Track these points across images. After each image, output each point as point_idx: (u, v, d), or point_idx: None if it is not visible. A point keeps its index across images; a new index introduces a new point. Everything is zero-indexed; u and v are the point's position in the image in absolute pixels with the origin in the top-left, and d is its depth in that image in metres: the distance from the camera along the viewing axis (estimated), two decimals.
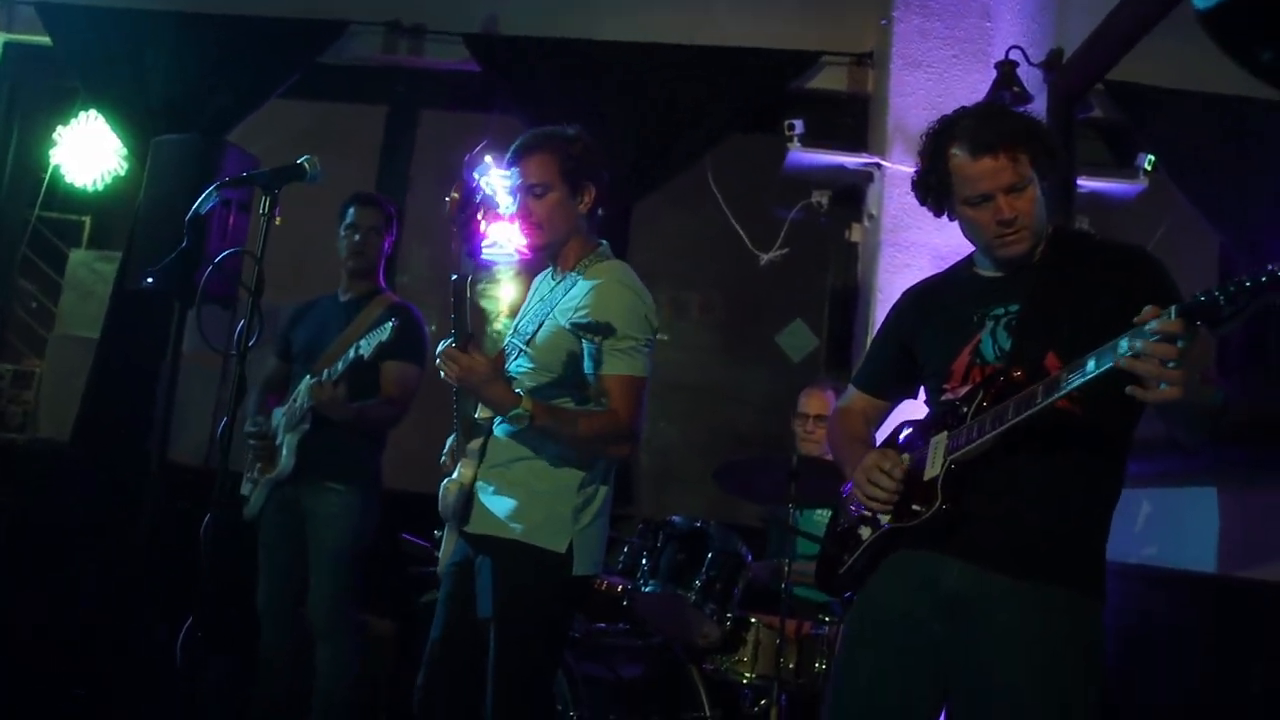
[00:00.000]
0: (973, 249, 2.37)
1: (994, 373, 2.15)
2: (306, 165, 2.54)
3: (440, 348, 2.44)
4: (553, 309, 2.57)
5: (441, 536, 2.72)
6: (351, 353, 3.26)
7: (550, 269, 2.73)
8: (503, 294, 5.26)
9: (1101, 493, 2.16)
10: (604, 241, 2.71)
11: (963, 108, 2.31)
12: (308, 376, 3.54)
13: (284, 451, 3.56)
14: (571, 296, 2.54)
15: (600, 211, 2.69)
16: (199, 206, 2.40)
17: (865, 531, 2.28)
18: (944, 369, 2.27)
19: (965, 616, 2.11)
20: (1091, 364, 1.85)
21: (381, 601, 4.20)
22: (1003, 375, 2.12)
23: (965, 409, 2.15)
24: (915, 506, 2.15)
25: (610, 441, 2.51)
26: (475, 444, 2.58)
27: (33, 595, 4.03)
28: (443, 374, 2.44)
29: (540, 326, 2.58)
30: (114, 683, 3.94)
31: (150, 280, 4.28)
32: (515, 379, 2.56)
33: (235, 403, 2.55)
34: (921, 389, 2.43)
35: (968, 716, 2.11)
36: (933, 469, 2.16)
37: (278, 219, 2.67)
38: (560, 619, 2.61)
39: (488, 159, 4.91)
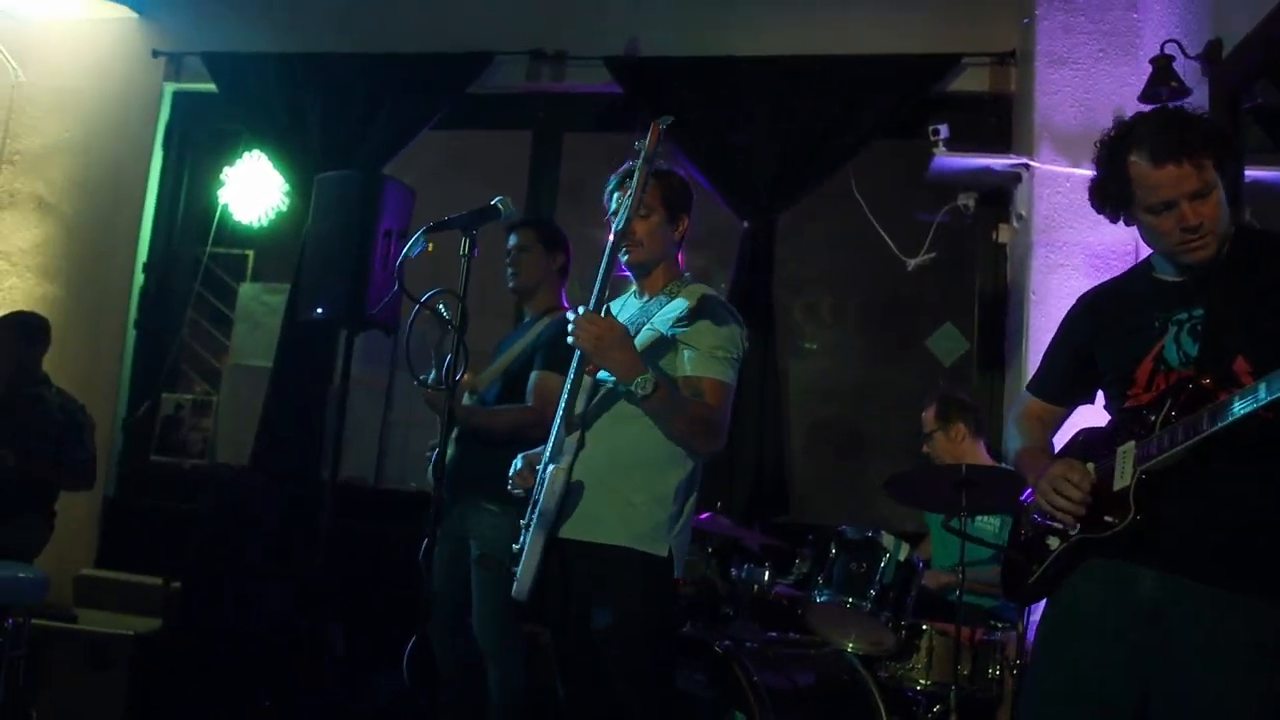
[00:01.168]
0: (1148, 252, 2.35)
1: (1182, 380, 2.13)
2: (500, 205, 2.67)
3: (579, 311, 2.55)
4: (649, 319, 2.73)
5: (523, 548, 2.67)
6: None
7: (630, 293, 2.92)
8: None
9: None
10: (689, 272, 2.90)
11: (1140, 113, 2.29)
12: (465, 394, 3.64)
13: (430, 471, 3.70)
14: (671, 309, 2.71)
15: (684, 244, 2.90)
16: (409, 250, 2.54)
17: (1054, 541, 2.29)
18: (1127, 376, 2.26)
19: (1164, 625, 2.10)
20: None
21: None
22: (1191, 383, 2.10)
23: (1153, 417, 2.14)
24: (1108, 518, 2.15)
25: (708, 433, 2.64)
26: (573, 438, 2.66)
27: (223, 610, 4.26)
28: (573, 339, 2.53)
29: (638, 332, 2.72)
30: (296, 691, 4.14)
31: (320, 311, 4.51)
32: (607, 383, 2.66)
33: (446, 433, 2.66)
34: (1100, 395, 2.42)
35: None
36: (1122, 479, 2.15)
37: (430, 247, 2.80)
38: (671, 620, 2.83)
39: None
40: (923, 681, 3.43)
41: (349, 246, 4.48)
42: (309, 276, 4.66)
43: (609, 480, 2.64)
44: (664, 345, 2.69)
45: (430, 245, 2.79)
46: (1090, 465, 2.25)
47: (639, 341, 2.69)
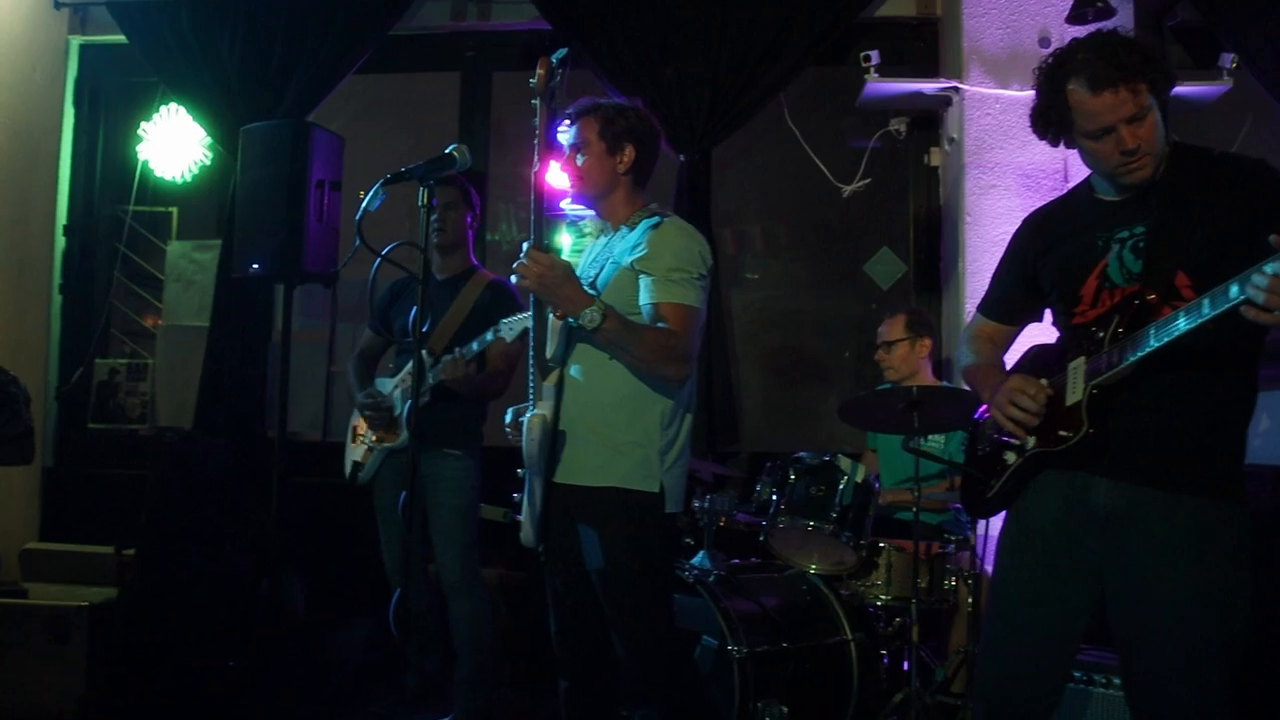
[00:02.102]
0: (1077, 171, 2.42)
1: (1128, 296, 2.21)
2: (456, 154, 2.64)
3: (523, 249, 2.55)
4: (611, 255, 2.75)
5: (521, 499, 2.76)
6: (490, 335, 3.44)
7: (606, 230, 2.91)
8: (582, 245, 5.34)
9: (1238, 404, 2.23)
10: (654, 203, 2.89)
11: (1075, 40, 2.34)
12: (425, 354, 3.68)
13: (402, 423, 3.75)
14: (629, 241, 2.72)
15: (644, 173, 2.87)
16: (368, 203, 2.50)
17: (1011, 456, 2.38)
18: (1072, 294, 2.34)
19: (1119, 530, 2.21)
20: (1235, 290, 1.87)
21: (505, 553, 4.40)
22: (1137, 299, 2.18)
23: (1101, 334, 2.22)
24: (1062, 432, 2.24)
25: (671, 359, 2.59)
26: (551, 381, 2.69)
27: (179, 574, 4.23)
28: (518, 278, 2.54)
29: (601, 271, 2.75)
30: (261, 651, 4.14)
31: (257, 266, 4.42)
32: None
33: (418, 388, 2.65)
34: (1048, 313, 2.51)
35: (1128, 623, 2.22)
36: (1074, 394, 2.24)
37: (361, 194, 2.78)
38: (664, 557, 2.80)
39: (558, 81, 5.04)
40: (883, 596, 3.56)
41: (280, 199, 4.37)
42: (241, 232, 4.55)
43: (592, 421, 2.66)
44: (625, 277, 2.67)
45: (361, 193, 2.77)
46: (1043, 381, 2.34)
47: (604, 279, 2.70)
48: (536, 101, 2.62)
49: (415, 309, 2.57)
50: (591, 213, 5.07)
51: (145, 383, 5.43)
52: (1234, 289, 1.87)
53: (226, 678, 4.03)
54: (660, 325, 2.59)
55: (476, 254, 4.36)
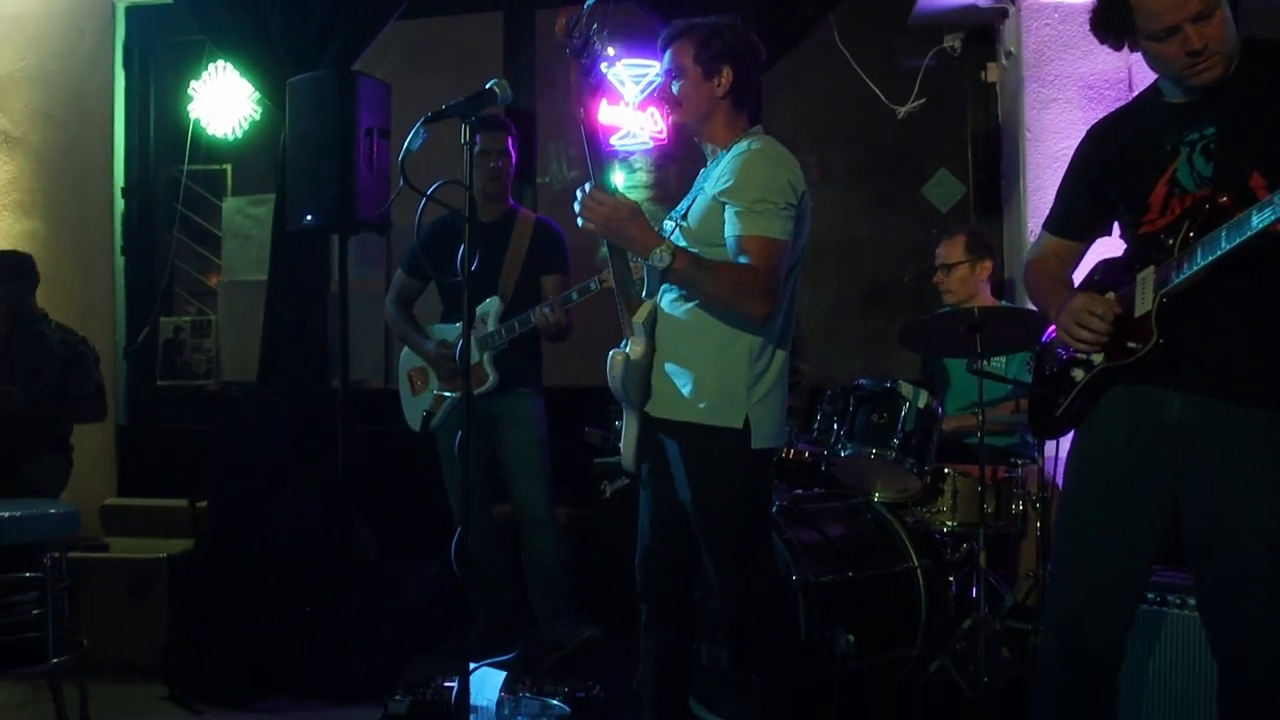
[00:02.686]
0: (1143, 78, 2.32)
1: (1199, 200, 2.13)
2: (496, 89, 2.59)
3: (582, 193, 2.51)
4: (704, 185, 2.67)
5: (621, 426, 2.78)
6: (594, 284, 3.58)
7: (708, 158, 2.81)
8: (642, 181, 5.29)
9: None
10: (758, 125, 2.78)
11: None
12: (495, 299, 3.84)
13: (486, 369, 3.84)
14: (720, 170, 2.62)
15: (746, 94, 2.77)
16: (410, 144, 2.47)
17: (1078, 373, 2.31)
18: (1140, 202, 2.25)
19: (1192, 443, 2.15)
20: None
21: (569, 492, 4.42)
22: (1208, 203, 2.09)
23: (1171, 241, 2.14)
24: (1130, 344, 2.17)
25: (750, 296, 2.50)
26: (641, 316, 2.64)
27: (252, 525, 4.31)
28: (583, 222, 2.51)
29: (693, 203, 2.68)
30: (334, 594, 4.22)
31: (310, 218, 4.44)
32: None
33: (469, 328, 2.65)
34: (1116, 225, 2.42)
35: (1204, 540, 2.16)
36: (1143, 305, 2.17)
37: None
38: (755, 492, 2.70)
39: (610, 50, 4.95)
40: (949, 523, 3.51)
41: (330, 149, 4.38)
42: (293, 184, 4.57)
43: (677, 355, 2.63)
44: (713, 208, 2.59)
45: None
46: (1111, 295, 2.26)
47: (696, 210, 2.64)
48: (566, 52, 2.55)
49: (463, 249, 2.55)
50: (641, 148, 5.08)
51: (209, 339, 5.52)
52: None
53: (303, 624, 4.11)
54: (742, 260, 2.51)
55: (526, 197, 4.35)
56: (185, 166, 5.53)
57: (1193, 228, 2.10)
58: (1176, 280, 2.09)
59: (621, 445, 2.74)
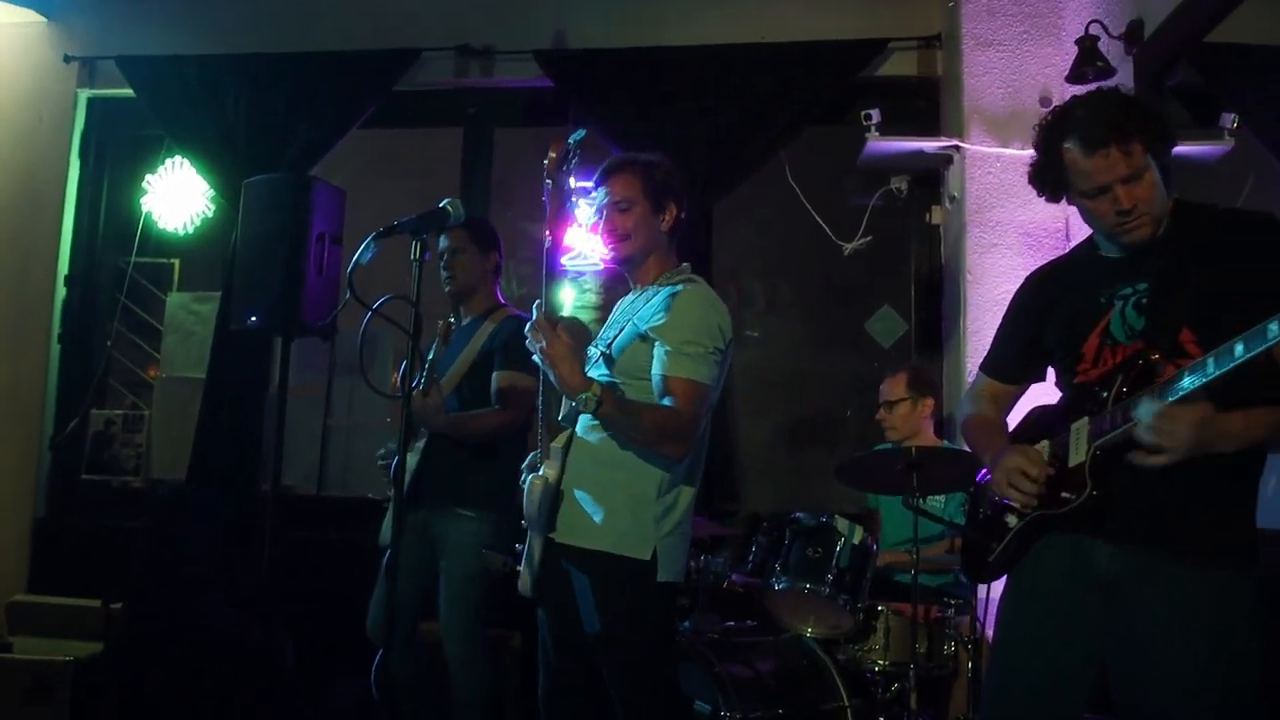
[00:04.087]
0: (1079, 229, 2.41)
1: (1132, 355, 2.18)
2: (450, 208, 2.62)
3: (533, 316, 2.51)
4: (633, 317, 2.68)
5: (523, 550, 2.72)
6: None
7: (633, 288, 2.85)
8: (590, 302, 5.33)
9: (1247, 467, 2.18)
10: (686, 264, 2.84)
11: (1075, 97, 2.33)
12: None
13: (406, 477, 3.62)
14: (651, 305, 2.65)
15: (678, 233, 2.83)
16: (359, 257, 2.47)
17: (1012, 519, 2.32)
18: (1075, 351, 2.30)
19: (1123, 597, 2.15)
20: (1240, 348, 1.85)
21: (505, 613, 4.31)
22: (1140, 358, 2.14)
23: (1105, 393, 2.18)
24: (1064, 494, 2.20)
25: (670, 439, 2.53)
26: (559, 442, 2.64)
27: (168, 629, 4.16)
28: (529, 342, 2.51)
29: (620, 332, 2.68)
30: (246, 707, 4.06)
31: (254, 319, 4.41)
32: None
33: (405, 443, 2.60)
34: (1050, 372, 2.47)
35: (1131, 693, 2.15)
36: (1077, 455, 2.20)
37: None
38: (661, 623, 2.68)
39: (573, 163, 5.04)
40: (881, 662, 3.47)
41: (281, 252, 4.39)
42: (241, 284, 4.56)
43: (590, 481, 2.61)
44: (641, 344, 2.61)
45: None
46: (1045, 443, 2.30)
47: (621, 341, 2.65)
48: (548, 180, 2.57)
49: (405, 363, 2.53)
50: (592, 269, 5.13)
51: (141, 434, 5.39)
52: (1239, 347, 1.84)
53: None
54: (666, 401, 2.53)
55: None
56: (132, 258, 5.48)
57: (1126, 382, 2.14)
58: (1110, 434, 2.12)
59: (523, 569, 2.69)
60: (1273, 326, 1.77)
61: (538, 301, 2.54)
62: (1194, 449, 1.98)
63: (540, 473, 2.60)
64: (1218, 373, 1.90)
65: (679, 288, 2.65)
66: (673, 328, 2.56)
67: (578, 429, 2.67)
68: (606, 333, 2.76)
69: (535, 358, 2.50)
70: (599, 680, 2.65)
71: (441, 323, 3.52)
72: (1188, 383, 1.96)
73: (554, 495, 2.60)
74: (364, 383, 3.89)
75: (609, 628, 2.56)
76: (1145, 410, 1.98)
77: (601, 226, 2.73)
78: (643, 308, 2.67)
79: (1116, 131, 2.14)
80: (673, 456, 2.57)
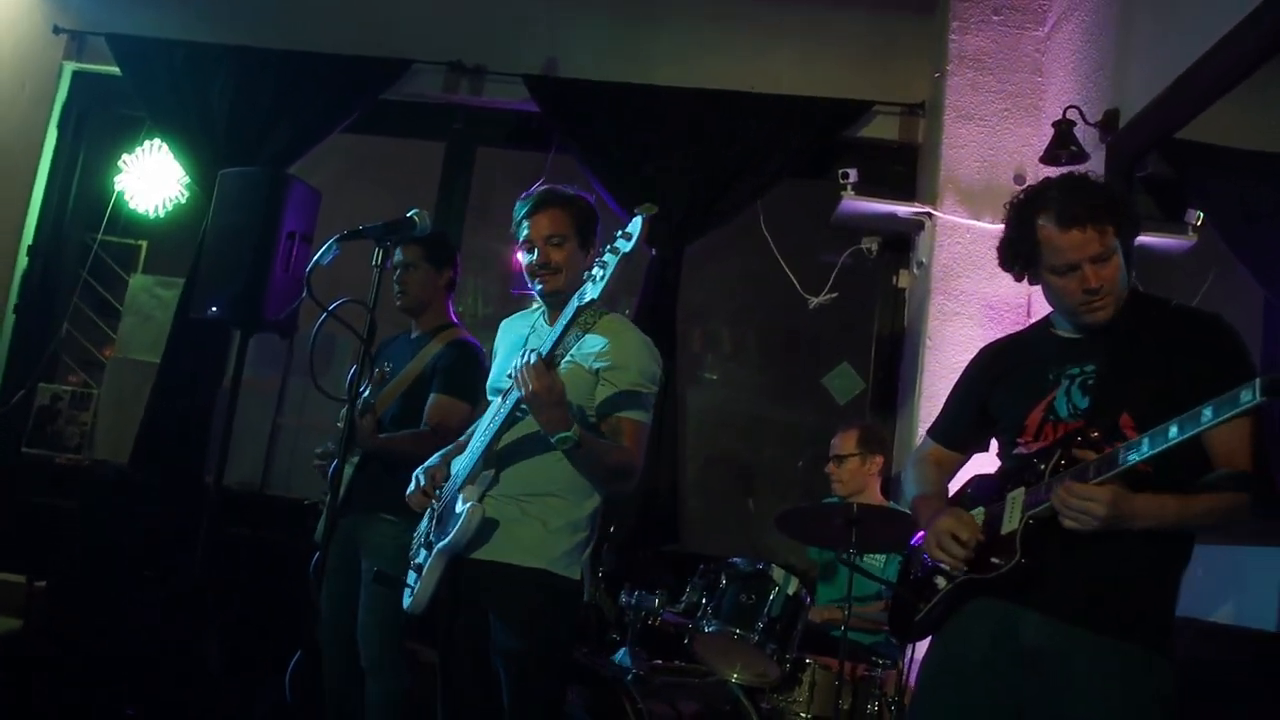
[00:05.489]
0: (1039, 306, 2.45)
1: (1071, 431, 2.22)
2: (416, 218, 2.64)
3: (530, 357, 2.50)
4: (568, 352, 2.66)
5: (422, 565, 2.71)
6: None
7: (538, 314, 2.88)
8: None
9: (1174, 551, 2.21)
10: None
11: (1048, 178, 2.39)
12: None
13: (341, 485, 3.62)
14: (589, 345, 2.68)
15: None
16: (320, 258, 2.47)
17: (941, 582, 2.35)
18: (1018, 424, 2.34)
19: (1044, 668, 2.17)
20: (1174, 430, 1.89)
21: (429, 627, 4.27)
22: (1080, 435, 2.18)
23: (1042, 466, 2.21)
24: (994, 560, 2.22)
25: (623, 478, 2.69)
26: (487, 474, 2.68)
27: (91, 613, 4.09)
28: (515, 380, 2.50)
29: (555, 365, 2.64)
30: (165, 702, 4.00)
31: (215, 309, 4.40)
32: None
33: (346, 446, 2.60)
34: (994, 442, 2.51)
35: None
36: (1010, 523, 2.22)
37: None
38: (570, 644, 2.84)
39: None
40: (803, 715, 3.47)
41: (249, 245, 4.39)
42: (206, 273, 4.54)
43: (525, 504, 2.66)
44: (586, 379, 2.67)
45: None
46: (980, 510, 2.33)
47: (560, 373, 2.63)
48: (625, 245, 2.39)
49: (355, 367, 2.53)
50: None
51: (88, 413, 5.32)
52: (1173, 429, 1.88)
53: None
54: (619, 439, 2.65)
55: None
56: (100, 235, 5.44)
57: (1064, 456, 2.18)
58: (1044, 504, 2.16)
59: (416, 588, 2.69)
60: (1206, 412, 1.82)
61: (538, 348, 2.52)
62: (1106, 525, 2.03)
63: (478, 502, 2.61)
64: (1152, 451, 1.94)
65: (616, 329, 2.71)
66: (624, 369, 2.67)
67: (514, 449, 2.69)
68: (505, 359, 2.80)
69: (521, 391, 2.49)
70: (491, 695, 2.67)
71: (377, 370, 3.51)
72: (1123, 459, 2.00)
73: (487, 524, 2.62)
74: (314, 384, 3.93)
75: (530, 644, 2.61)
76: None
77: (532, 260, 2.75)
78: (574, 345, 2.66)
79: (1092, 211, 2.20)
80: (623, 492, 2.74)
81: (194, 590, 4.16)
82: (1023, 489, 2.23)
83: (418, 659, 4.24)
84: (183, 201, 5.43)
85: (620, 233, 2.40)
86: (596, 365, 2.67)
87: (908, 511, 2.74)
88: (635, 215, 2.38)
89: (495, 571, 2.64)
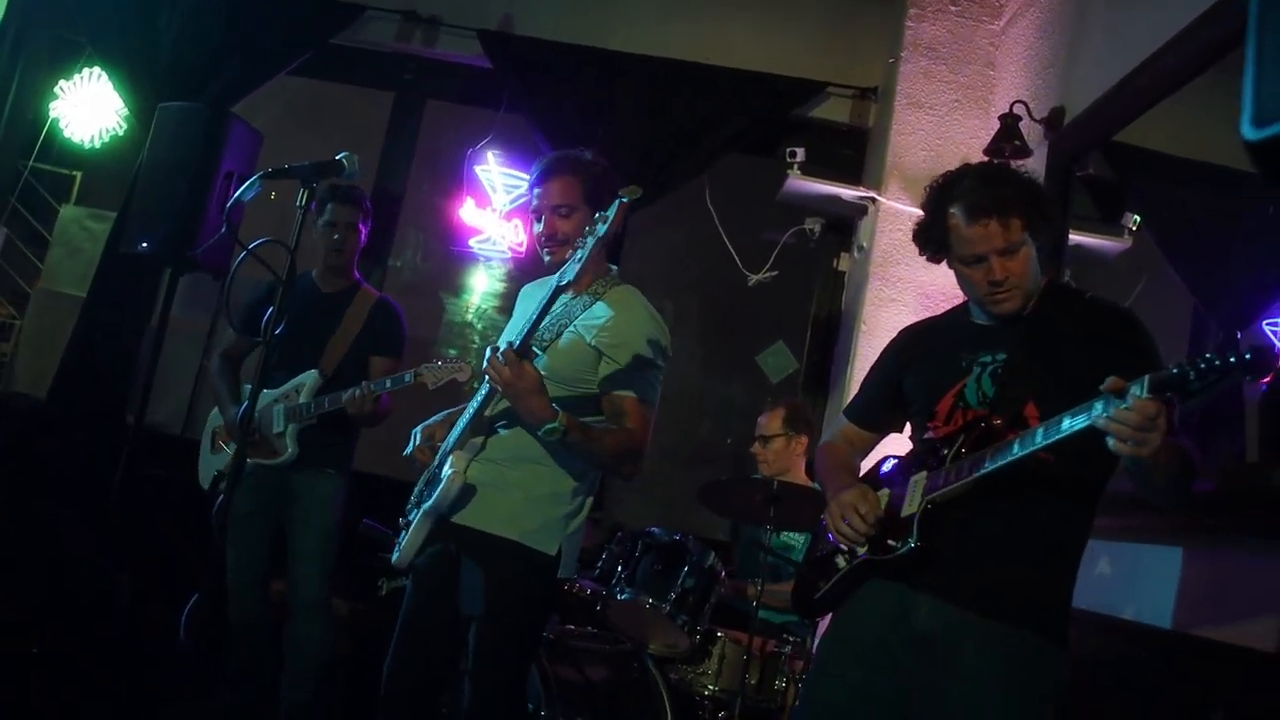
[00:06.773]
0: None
1: (975, 419, 2.23)
2: (345, 162, 2.59)
3: (501, 345, 2.48)
4: (572, 321, 2.63)
5: (410, 523, 2.70)
6: (409, 377, 3.49)
7: (547, 281, 2.77)
8: (494, 290, 5.30)
9: (1070, 541, 2.24)
10: (615, 265, 2.82)
11: (966, 165, 2.40)
12: (314, 373, 3.69)
13: (287, 441, 3.68)
14: (594, 315, 2.62)
15: (619, 238, 2.81)
16: (242, 194, 2.42)
17: (841, 561, 2.37)
18: (929, 408, 2.35)
19: (933, 652, 2.19)
20: (1067, 422, 1.91)
21: (341, 583, 4.24)
22: (983, 422, 2.20)
23: (945, 451, 2.23)
24: (891, 542, 2.24)
25: (629, 460, 2.60)
26: (477, 439, 2.64)
27: None
28: (488, 371, 2.47)
29: (560, 335, 2.63)
30: (76, 643, 3.94)
31: (146, 245, 4.31)
32: None
33: (258, 387, 2.57)
34: (908, 425, 2.52)
35: None
36: (910, 507, 2.24)
37: (272, 195, 2.73)
38: (541, 619, 2.75)
39: (490, 155, 4.98)
40: (711, 687, 3.49)
41: (185, 183, 4.31)
42: (139, 208, 4.45)
43: (508, 473, 2.61)
44: (586, 352, 2.59)
45: (273, 194, 2.71)
46: (885, 492, 2.34)
47: (562, 344, 2.61)
48: (601, 229, 2.33)
49: (271, 310, 2.49)
50: (500, 256, 5.10)
51: (8, 344, 5.21)
52: (1066, 421, 1.90)
53: (30, 663, 3.81)
54: (620, 418, 2.56)
55: (374, 276, 4.27)
56: (31, 163, 5.30)
57: (966, 442, 2.19)
58: (943, 490, 2.17)
59: (403, 544, 2.67)
60: (1098, 405, 1.83)
61: (510, 341, 2.49)
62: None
63: (460, 469, 2.57)
64: (1045, 442, 1.95)
65: (623, 303, 2.63)
66: (625, 345, 2.56)
67: (500, 425, 2.64)
68: (542, 335, 2.64)
69: (492, 384, 2.46)
70: (449, 660, 2.65)
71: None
72: (1016, 449, 2.02)
73: (466, 490, 2.58)
74: (233, 327, 3.89)
75: (497, 612, 2.55)
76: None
77: (539, 230, 2.68)
78: (582, 314, 2.63)
79: (1000, 205, 2.22)
80: (629, 475, 2.64)
81: (108, 528, 4.08)
82: (925, 473, 2.25)
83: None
84: (120, 133, 5.30)
85: (598, 215, 2.34)
86: (597, 340, 2.57)
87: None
88: (618, 198, 2.30)
89: (471, 537, 2.61)
